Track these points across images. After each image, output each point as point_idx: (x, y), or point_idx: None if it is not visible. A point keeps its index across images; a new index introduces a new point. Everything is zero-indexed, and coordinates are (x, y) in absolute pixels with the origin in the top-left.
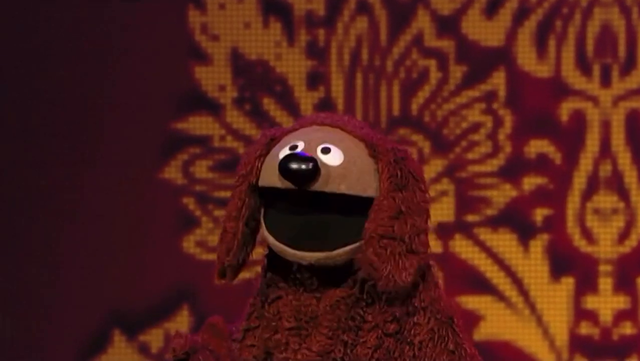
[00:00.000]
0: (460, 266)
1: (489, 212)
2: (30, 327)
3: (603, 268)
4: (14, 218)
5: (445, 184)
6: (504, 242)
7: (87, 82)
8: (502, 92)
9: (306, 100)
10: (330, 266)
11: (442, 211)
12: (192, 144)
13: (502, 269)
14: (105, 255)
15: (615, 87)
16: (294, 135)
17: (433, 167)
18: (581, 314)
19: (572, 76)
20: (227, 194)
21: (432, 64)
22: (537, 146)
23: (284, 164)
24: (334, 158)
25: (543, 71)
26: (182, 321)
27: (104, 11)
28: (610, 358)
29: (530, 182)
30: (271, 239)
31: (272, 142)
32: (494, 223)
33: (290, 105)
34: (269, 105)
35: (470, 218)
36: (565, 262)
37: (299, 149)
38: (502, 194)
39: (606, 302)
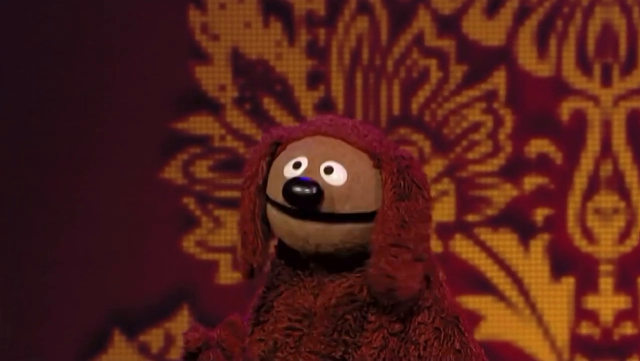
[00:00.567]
0: (461, 266)
1: (490, 212)
2: (30, 327)
3: (604, 268)
4: (14, 218)
5: (446, 184)
6: (505, 242)
7: (87, 82)
8: (502, 92)
9: (306, 100)
10: (333, 259)
11: (442, 210)
12: (192, 144)
13: (503, 269)
14: (105, 255)
15: (616, 86)
16: (298, 147)
17: (433, 167)
18: (582, 314)
19: (573, 76)
20: (227, 194)
21: (433, 63)
22: (537, 146)
23: (288, 188)
24: (337, 178)
25: (544, 70)
26: (182, 321)
27: (104, 11)
28: (611, 358)
29: (531, 182)
30: (275, 212)
31: (277, 146)
32: (495, 222)
33: (290, 105)
34: (269, 105)
35: (471, 217)
36: (566, 262)
37: (302, 167)
38: (502, 194)
39: (607, 302)
